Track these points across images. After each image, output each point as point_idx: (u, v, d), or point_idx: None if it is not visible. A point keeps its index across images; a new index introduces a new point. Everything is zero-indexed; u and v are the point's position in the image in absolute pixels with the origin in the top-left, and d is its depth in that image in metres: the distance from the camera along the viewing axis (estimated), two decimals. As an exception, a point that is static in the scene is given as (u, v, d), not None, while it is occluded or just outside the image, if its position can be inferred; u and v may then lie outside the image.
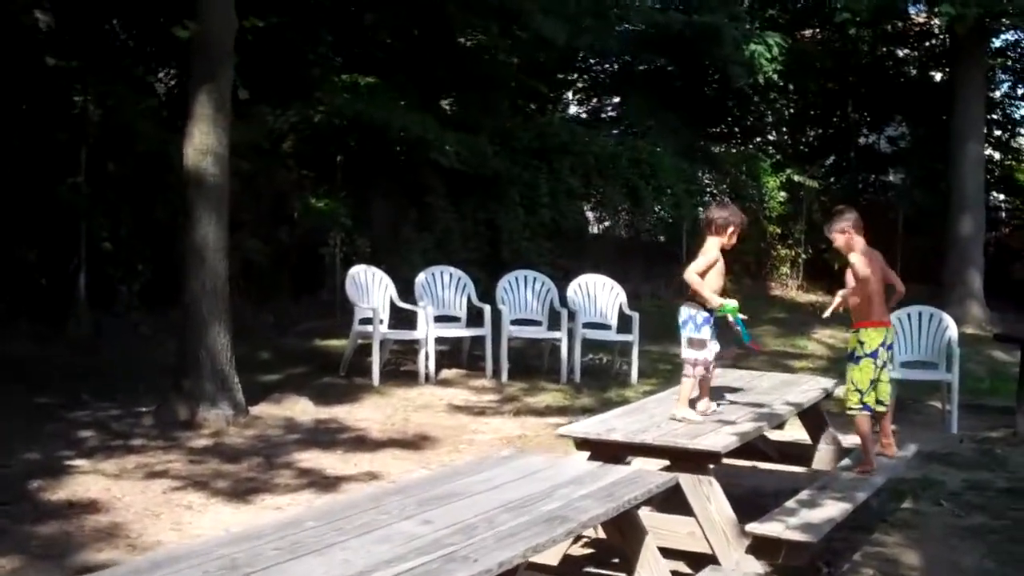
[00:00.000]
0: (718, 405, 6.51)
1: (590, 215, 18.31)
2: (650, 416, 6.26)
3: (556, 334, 11.63)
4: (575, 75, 23.05)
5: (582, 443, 5.84)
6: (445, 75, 16.06)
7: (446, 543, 3.79)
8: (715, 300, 6.25)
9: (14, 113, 11.54)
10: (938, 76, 23.71)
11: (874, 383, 6.70)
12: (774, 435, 7.58)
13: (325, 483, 7.51)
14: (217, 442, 8.45)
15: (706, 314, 6.36)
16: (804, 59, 21.07)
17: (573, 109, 24.12)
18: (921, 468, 8.22)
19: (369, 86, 14.71)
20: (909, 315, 10.33)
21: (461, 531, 3.95)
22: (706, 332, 6.36)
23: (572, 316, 11.71)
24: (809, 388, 7.30)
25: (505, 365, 11.42)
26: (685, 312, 6.31)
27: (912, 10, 21.47)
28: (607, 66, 22.61)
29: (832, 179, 23.83)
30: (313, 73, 14.39)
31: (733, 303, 6.28)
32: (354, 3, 15.81)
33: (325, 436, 8.80)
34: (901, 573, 6.09)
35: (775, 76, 19.49)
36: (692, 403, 6.32)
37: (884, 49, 23.56)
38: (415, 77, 15.75)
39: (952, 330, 10.18)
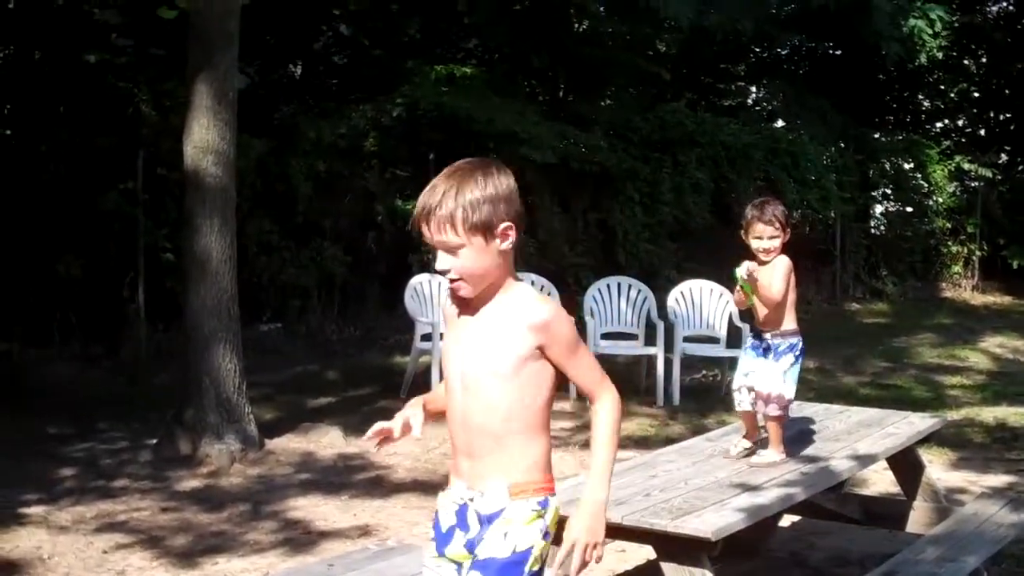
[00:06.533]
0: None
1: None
2: (651, 475, 4.72)
3: (652, 349, 10.10)
4: (737, 65, 21.08)
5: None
6: (553, 63, 14.59)
7: None
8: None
9: (57, 115, 10.60)
10: None
11: None
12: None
13: (304, 540, 6.26)
14: (209, 484, 7.28)
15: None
16: (977, 35, 18.82)
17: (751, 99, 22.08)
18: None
19: (466, 77, 13.41)
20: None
21: None
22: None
23: (672, 329, 10.19)
24: (894, 432, 5.44)
25: (591, 386, 9.93)
26: None
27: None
28: (757, 50, 20.67)
29: (1021, 167, 21.47)
30: (403, 64, 13.15)
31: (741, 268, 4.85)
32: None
33: (339, 476, 7.52)
34: None
35: (939, 54, 17.37)
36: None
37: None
38: (521, 66, 14.38)
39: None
